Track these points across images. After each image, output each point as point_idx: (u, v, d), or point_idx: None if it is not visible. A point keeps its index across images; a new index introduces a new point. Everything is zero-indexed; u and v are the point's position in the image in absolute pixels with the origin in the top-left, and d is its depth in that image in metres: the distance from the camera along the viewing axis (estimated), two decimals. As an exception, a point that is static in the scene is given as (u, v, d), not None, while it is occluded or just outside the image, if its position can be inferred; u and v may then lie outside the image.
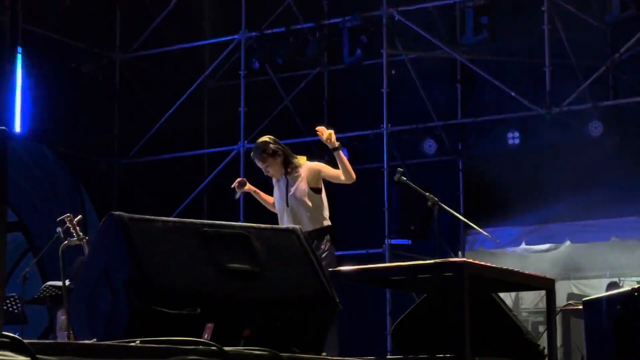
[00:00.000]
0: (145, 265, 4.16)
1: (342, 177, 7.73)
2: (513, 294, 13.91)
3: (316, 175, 7.86)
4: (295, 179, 7.87)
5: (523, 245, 13.37)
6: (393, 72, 13.64)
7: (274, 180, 8.04)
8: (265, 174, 8.00)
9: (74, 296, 4.61)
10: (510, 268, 5.62)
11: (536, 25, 13.00)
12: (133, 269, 4.15)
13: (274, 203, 8.13)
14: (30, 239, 13.86)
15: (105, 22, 14.70)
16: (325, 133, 7.65)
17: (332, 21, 13.91)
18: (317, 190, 7.87)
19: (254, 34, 14.11)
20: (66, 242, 7.55)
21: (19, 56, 13.31)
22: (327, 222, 7.89)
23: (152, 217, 4.37)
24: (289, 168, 7.89)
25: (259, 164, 7.94)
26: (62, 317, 8.83)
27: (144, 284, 4.12)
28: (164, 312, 4.07)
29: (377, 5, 13.53)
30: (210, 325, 4.15)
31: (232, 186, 8.09)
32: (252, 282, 4.37)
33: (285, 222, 7.83)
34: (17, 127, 13.27)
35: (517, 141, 13.34)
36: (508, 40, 13.39)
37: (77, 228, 7.75)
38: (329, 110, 15.16)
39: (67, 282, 8.00)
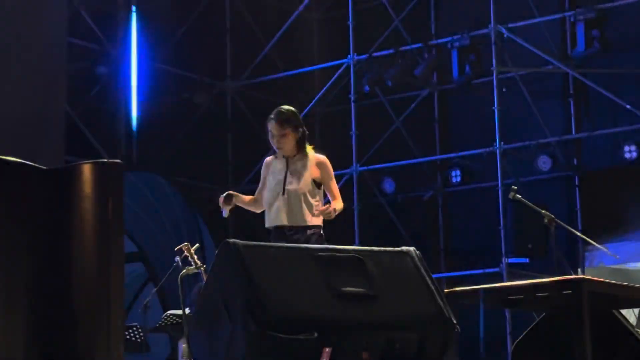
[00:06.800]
0: (261, 291, 4.20)
1: (333, 198, 7.17)
2: (637, 310, 13.60)
3: (324, 169, 7.28)
4: (299, 166, 7.29)
5: (645, 260, 13.08)
6: (504, 89, 13.52)
7: (267, 167, 7.49)
8: (274, 144, 7.31)
9: (194, 324, 4.67)
10: (630, 284, 5.51)
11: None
12: (250, 295, 4.19)
13: (254, 200, 7.57)
14: (150, 269, 14.09)
15: (215, 52, 14.92)
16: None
17: (440, 41, 13.89)
18: (320, 185, 7.28)
19: (362, 57, 14.16)
20: (184, 270, 7.64)
21: (133, 87, 13.59)
22: (320, 221, 7.22)
23: (266, 244, 4.42)
24: (299, 151, 7.27)
25: (275, 130, 7.21)
26: (183, 345, 8.94)
27: (261, 310, 4.15)
28: (281, 338, 4.10)
29: (485, 23, 13.44)
30: (327, 350, 4.16)
31: (220, 204, 7.42)
32: (368, 305, 4.37)
33: (274, 211, 7.22)
34: (134, 159, 13.53)
35: (634, 155, 13.10)
36: (620, 51, 13.17)
37: (195, 257, 7.82)
38: (440, 131, 15.09)
39: (187, 310, 8.11)
